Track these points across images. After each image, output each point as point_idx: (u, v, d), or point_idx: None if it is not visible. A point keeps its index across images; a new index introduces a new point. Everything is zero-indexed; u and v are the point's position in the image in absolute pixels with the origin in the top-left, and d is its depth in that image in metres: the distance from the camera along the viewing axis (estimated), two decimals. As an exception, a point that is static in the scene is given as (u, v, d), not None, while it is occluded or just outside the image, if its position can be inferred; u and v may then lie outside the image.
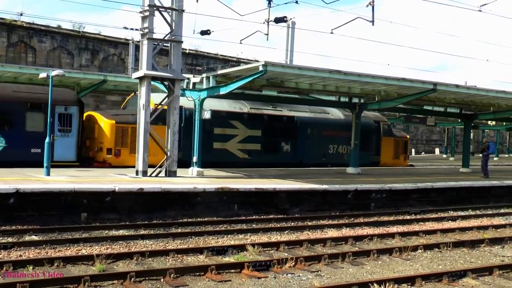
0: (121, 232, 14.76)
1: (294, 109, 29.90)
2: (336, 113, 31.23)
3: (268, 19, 22.95)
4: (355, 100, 27.18)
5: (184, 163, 23.23)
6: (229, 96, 23.44)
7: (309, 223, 17.19)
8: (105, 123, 24.79)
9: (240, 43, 25.95)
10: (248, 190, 18.37)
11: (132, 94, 27.79)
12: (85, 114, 25.36)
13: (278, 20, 23.36)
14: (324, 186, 19.87)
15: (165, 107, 21.46)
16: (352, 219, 18.46)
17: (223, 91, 21.55)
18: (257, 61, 24.85)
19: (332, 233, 15.84)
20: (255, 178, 21.60)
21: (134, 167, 20.64)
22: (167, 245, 13.37)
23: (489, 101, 28.79)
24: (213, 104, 26.34)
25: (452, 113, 32.94)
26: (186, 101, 24.43)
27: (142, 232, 14.81)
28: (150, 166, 20.36)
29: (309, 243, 13.82)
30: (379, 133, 33.62)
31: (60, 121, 23.49)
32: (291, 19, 29.43)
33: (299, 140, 29.78)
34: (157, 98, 23.04)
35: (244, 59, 51.53)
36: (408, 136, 38.14)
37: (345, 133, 29.57)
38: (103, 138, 24.82)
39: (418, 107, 31.20)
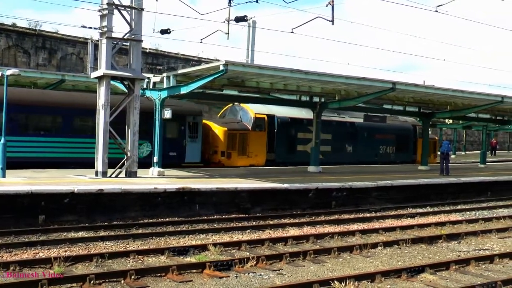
0: (80, 234, 14.57)
1: (354, 115, 34.22)
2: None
3: (229, 18, 22.91)
4: (316, 99, 27.35)
5: (277, 163, 29.79)
6: (190, 95, 23.36)
7: (271, 222, 17.27)
8: (219, 130, 29.02)
9: (201, 42, 25.85)
10: (210, 189, 18.35)
11: (231, 105, 31.29)
12: None
13: (238, 19, 23.33)
14: (286, 185, 19.96)
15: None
16: (313, 217, 18.61)
17: (184, 90, 21.46)
18: (218, 60, 24.88)
19: (293, 231, 15.94)
20: (217, 178, 21.57)
21: (242, 167, 22.94)
22: (128, 246, 13.26)
23: (446, 100, 29.35)
24: (292, 112, 31.02)
25: (411, 112, 33.44)
26: (278, 110, 30.04)
27: (102, 233, 14.65)
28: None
29: (270, 242, 13.89)
30: (415, 135, 38.77)
31: (189, 129, 27.72)
32: (251, 18, 29.44)
33: (358, 142, 34.62)
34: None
35: (205, 58, 51.35)
36: (437, 138, 45.44)
37: (391, 136, 36.54)
38: (217, 142, 28.98)
39: (378, 106, 31.60)
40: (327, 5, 19.99)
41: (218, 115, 33.18)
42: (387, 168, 32.17)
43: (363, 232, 15.88)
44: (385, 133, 35.87)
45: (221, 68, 19.49)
